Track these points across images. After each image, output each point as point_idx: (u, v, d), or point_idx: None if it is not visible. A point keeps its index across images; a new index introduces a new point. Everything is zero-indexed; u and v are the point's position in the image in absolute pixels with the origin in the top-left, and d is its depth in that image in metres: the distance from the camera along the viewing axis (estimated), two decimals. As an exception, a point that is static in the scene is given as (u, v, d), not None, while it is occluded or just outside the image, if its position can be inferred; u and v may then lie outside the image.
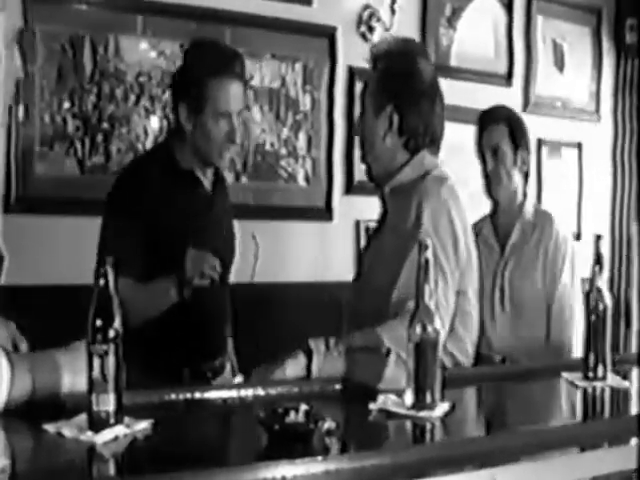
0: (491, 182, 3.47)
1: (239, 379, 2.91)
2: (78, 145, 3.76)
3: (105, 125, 3.84)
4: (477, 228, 3.35)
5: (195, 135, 2.82)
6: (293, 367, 2.37)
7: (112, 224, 2.79)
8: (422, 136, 2.66)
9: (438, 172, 2.68)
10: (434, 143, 2.71)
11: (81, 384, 1.85)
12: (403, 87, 2.66)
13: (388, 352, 2.32)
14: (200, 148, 2.83)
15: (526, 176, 3.53)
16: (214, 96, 2.77)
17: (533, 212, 3.52)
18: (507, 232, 3.50)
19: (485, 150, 3.47)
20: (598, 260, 2.44)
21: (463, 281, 2.59)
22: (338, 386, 2.27)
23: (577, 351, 3.28)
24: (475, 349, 2.70)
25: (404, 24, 4.70)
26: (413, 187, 2.62)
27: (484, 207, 3.58)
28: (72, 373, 1.91)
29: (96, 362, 1.71)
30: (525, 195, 3.53)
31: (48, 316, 2.92)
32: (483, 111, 3.59)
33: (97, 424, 1.70)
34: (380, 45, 2.78)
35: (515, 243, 3.48)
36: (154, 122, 3.90)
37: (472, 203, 3.00)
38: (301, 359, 2.37)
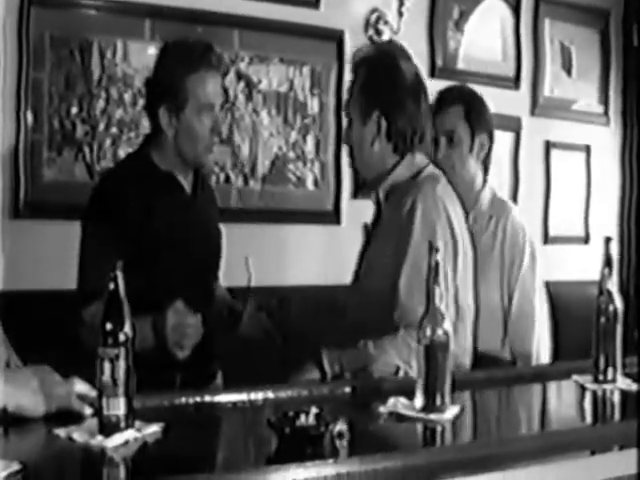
0: (443, 171, 2.85)
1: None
2: (87, 150, 3.77)
3: (114, 130, 3.84)
4: None
5: (179, 136, 2.77)
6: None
7: (89, 239, 2.73)
8: (411, 137, 2.66)
9: (430, 170, 2.69)
10: (423, 142, 2.71)
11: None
12: (387, 91, 2.66)
13: (397, 371, 2.37)
14: (185, 148, 2.78)
15: (485, 162, 3.17)
16: (194, 91, 2.73)
17: (489, 201, 3.16)
18: None
19: (439, 136, 3.05)
20: (608, 262, 2.44)
21: (462, 278, 2.60)
22: (348, 389, 2.28)
23: (542, 360, 3.09)
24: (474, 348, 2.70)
25: (412, 27, 4.69)
26: (407, 186, 2.63)
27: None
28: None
29: (106, 366, 1.71)
30: (485, 183, 3.17)
31: (57, 321, 2.92)
32: (438, 92, 3.17)
33: (108, 428, 1.70)
34: (358, 53, 2.77)
35: None
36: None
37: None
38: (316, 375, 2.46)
